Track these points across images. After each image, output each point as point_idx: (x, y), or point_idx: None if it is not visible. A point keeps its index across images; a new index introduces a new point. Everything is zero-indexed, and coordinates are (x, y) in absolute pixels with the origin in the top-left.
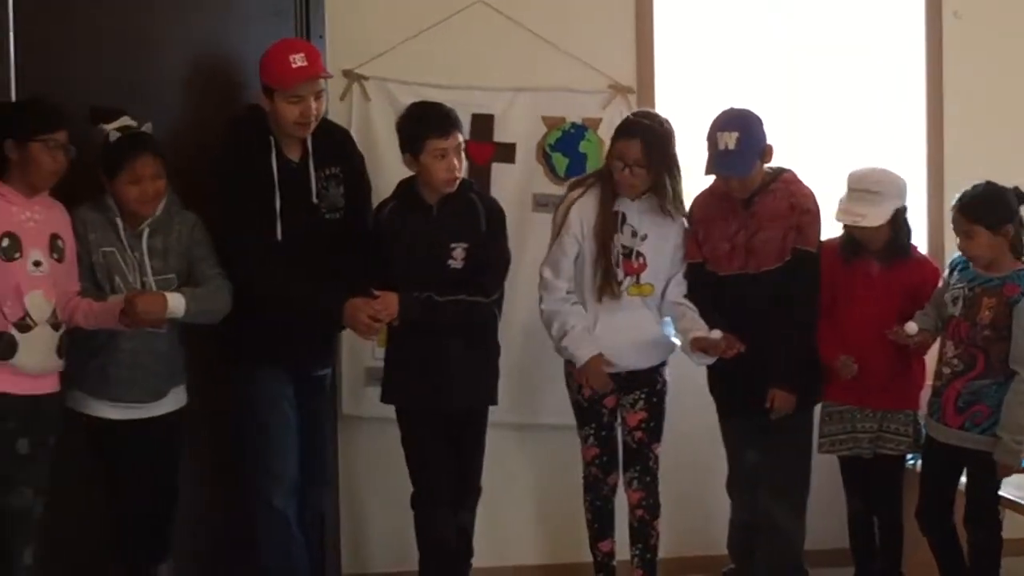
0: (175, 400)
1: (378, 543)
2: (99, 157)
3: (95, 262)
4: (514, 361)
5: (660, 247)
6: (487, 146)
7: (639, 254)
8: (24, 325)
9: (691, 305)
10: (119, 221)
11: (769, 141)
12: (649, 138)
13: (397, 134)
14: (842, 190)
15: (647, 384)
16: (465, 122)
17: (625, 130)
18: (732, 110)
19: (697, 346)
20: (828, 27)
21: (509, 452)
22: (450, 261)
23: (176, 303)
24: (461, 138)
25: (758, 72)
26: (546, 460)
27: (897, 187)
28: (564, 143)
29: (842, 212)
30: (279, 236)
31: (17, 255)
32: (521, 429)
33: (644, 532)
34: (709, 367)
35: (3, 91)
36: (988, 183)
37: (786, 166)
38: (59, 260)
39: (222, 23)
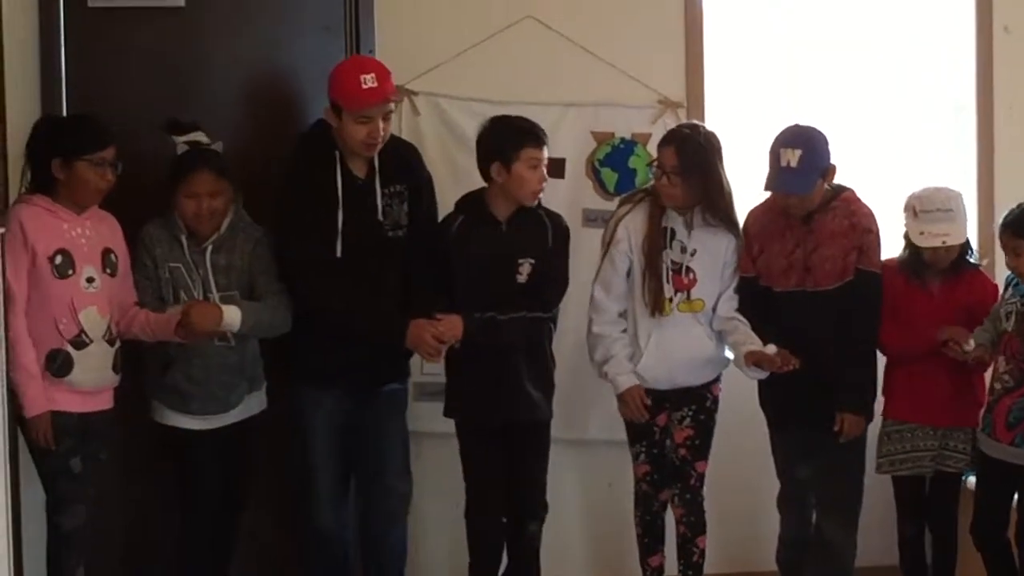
0: (249, 407)
1: (431, 558)
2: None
3: (162, 277)
4: (564, 376)
5: (710, 262)
6: None
7: (689, 269)
8: (79, 342)
9: (743, 319)
10: (183, 238)
11: (832, 161)
12: (684, 146)
13: (481, 144)
14: (893, 207)
15: (696, 401)
16: None
17: (664, 138)
18: (797, 127)
19: (751, 359)
20: (880, 43)
21: (559, 467)
22: (517, 276)
23: (231, 316)
24: (547, 153)
25: (809, 87)
26: (596, 475)
27: (962, 203)
28: (613, 158)
29: (925, 235)
30: (338, 252)
31: (71, 272)
32: (571, 445)
33: (687, 549)
34: (761, 381)
35: (55, 109)
36: None
37: (846, 184)
38: (112, 275)
39: (272, 38)
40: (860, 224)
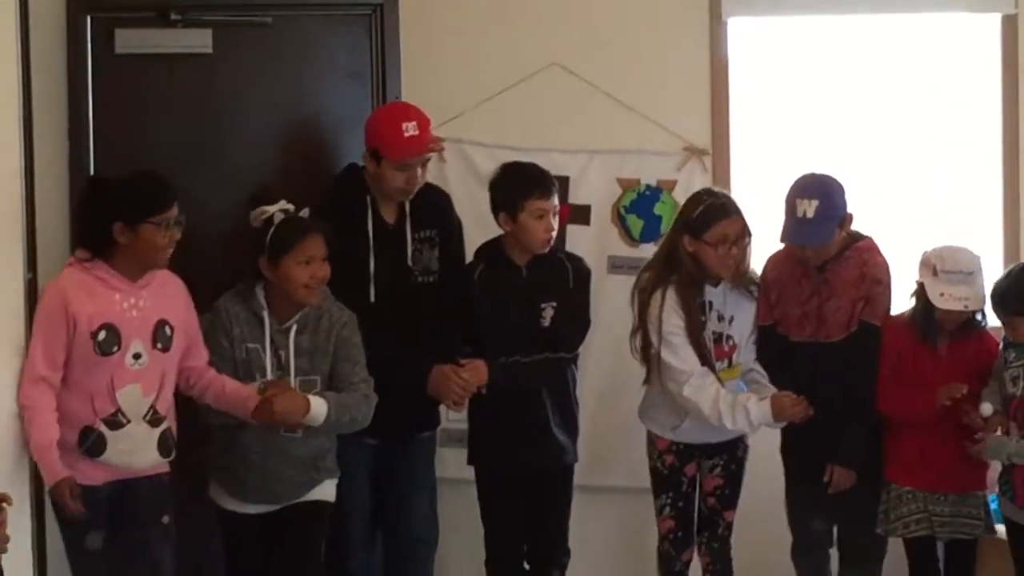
0: (315, 494)
1: None
2: (264, 240)
3: (237, 358)
4: (588, 423)
5: (744, 325)
6: (562, 208)
7: (728, 337)
8: (114, 421)
9: (761, 371)
10: (266, 315)
11: (850, 209)
12: (740, 212)
13: (491, 193)
14: (914, 254)
15: (727, 450)
16: None
17: (720, 210)
18: (813, 175)
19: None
20: (906, 87)
21: (584, 514)
22: (541, 320)
23: (318, 410)
24: (557, 200)
25: (835, 134)
26: (622, 522)
27: (981, 265)
28: (639, 205)
29: (946, 297)
30: (372, 298)
31: (115, 349)
32: (596, 492)
33: None
34: (784, 431)
35: (83, 161)
36: (1021, 268)
37: (869, 230)
38: (164, 349)
39: (299, 84)
40: (870, 274)
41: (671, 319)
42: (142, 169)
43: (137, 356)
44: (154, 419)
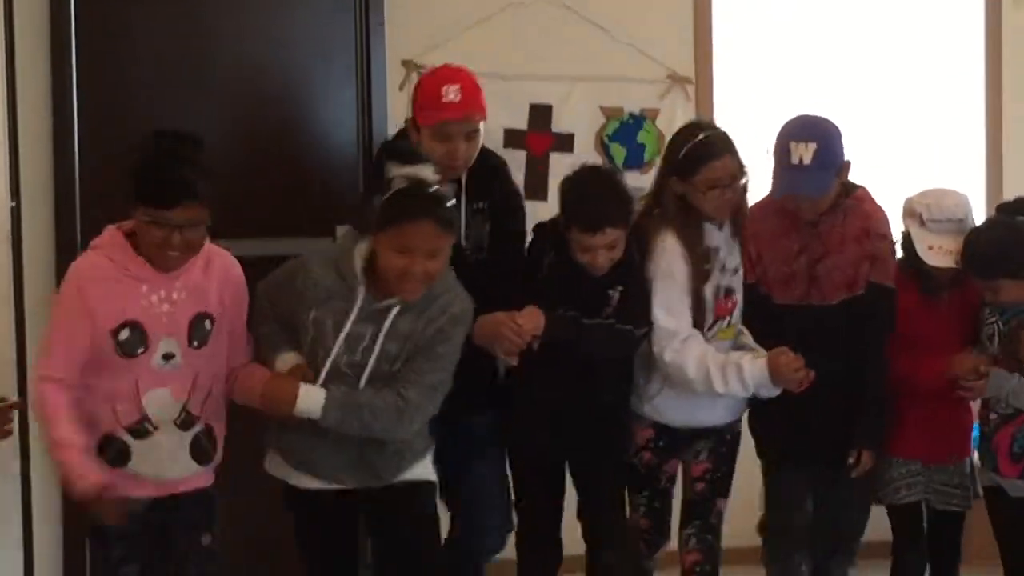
0: (407, 476)
1: None
2: (379, 206)
3: (299, 324)
4: None
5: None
6: (545, 136)
7: (731, 291)
8: (140, 430)
9: (746, 331)
10: (360, 291)
11: (847, 156)
12: (736, 149)
13: None
14: (897, 195)
15: (715, 436)
16: (523, 112)
17: (712, 150)
18: (808, 117)
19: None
20: (890, 19)
21: None
22: (606, 308)
23: (309, 402)
24: (620, 232)
25: (818, 64)
26: None
27: (971, 209)
28: (622, 133)
29: (935, 250)
30: None
31: (140, 350)
32: None
33: None
34: (756, 412)
35: (66, 90)
36: (992, 225)
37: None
38: (201, 345)
39: (281, 17)
40: (874, 229)
41: (676, 266)
42: (166, 150)
43: (168, 357)
44: (185, 422)
